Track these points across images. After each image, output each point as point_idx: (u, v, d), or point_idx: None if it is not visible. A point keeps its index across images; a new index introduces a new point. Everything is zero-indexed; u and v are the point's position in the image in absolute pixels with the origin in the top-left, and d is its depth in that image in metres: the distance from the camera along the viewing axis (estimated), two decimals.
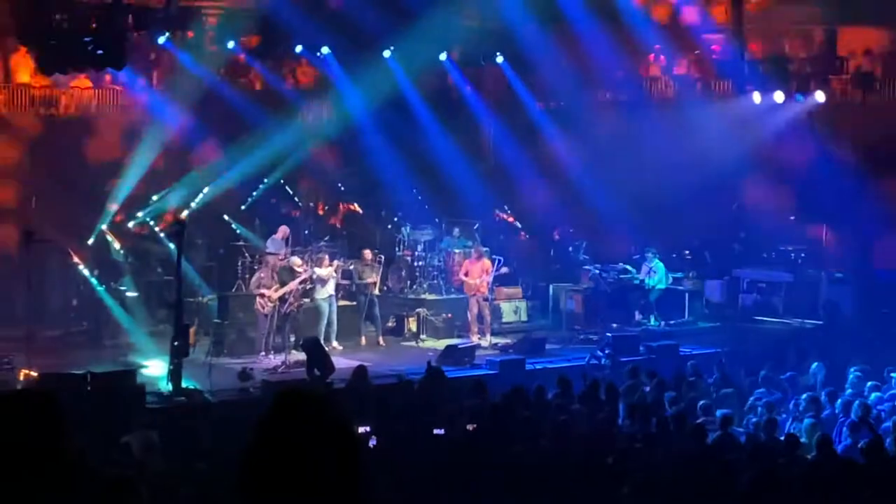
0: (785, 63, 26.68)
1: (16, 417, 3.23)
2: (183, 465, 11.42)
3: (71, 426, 3.37)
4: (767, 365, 17.84)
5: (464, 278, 22.72)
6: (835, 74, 26.49)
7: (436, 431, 13.45)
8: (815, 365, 17.64)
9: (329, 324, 21.00)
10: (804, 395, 15.55)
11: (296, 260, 21.13)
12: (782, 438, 13.56)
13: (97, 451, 9.76)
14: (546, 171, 25.94)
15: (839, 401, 15.33)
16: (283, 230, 22.89)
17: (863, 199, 23.49)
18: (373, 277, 22.15)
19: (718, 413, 14.84)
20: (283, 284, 20.23)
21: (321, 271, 20.84)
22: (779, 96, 25.85)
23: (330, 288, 20.99)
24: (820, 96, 25.61)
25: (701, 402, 15.57)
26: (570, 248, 26.37)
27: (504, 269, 23.08)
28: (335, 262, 21.46)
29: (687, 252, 26.27)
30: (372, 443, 13.27)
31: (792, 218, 26.07)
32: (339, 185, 26.67)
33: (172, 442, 12.80)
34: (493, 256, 23.25)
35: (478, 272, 22.49)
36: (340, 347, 20.97)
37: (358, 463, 2.91)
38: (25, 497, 3.14)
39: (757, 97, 26.15)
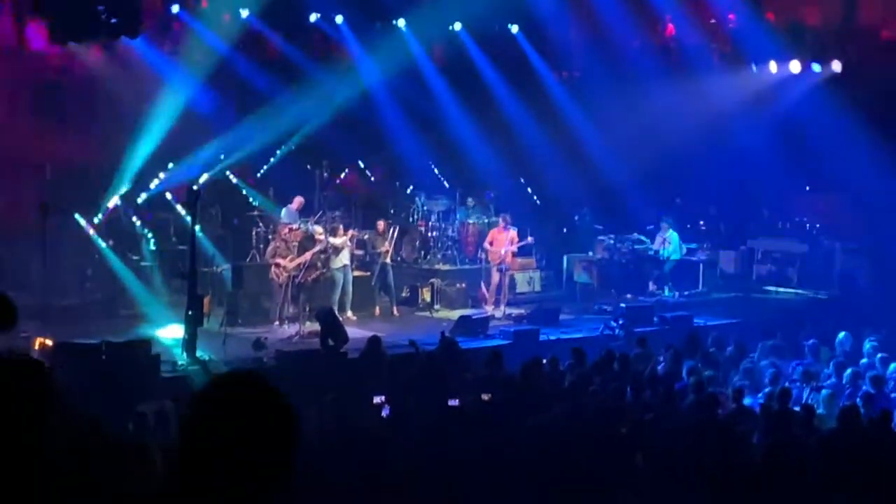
0: (802, 32, 26.51)
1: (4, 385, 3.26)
2: None
3: (59, 396, 3.40)
4: (781, 335, 17.82)
5: (488, 247, 22.67)
6: (852, 43, 26.31)
7: (451, 402, 13.46)
8: (842, 334, 17.58)
9: (344, 293, 21.02)
10: (808, 365, 15.56)
11: (318, 228, 21.15)
12: (797, 409, 13.55)
13: (112, 419, 9.79)
14: (560, 141, 25.87)
15: (848, 371, 15.31)
16: (298, 200, 22.89)
17: (879, 170, 23.38)
18: (385, 246, 22.15)
19: (731, 384, 14.86)
20: (303, 253, 20.25)
21: (336, 241, 20.85)
22: (795, 66, 25.73)
23: (344, 258, 21.00)
24: (837, 66, 25.47)
25: (714, 373, 15.58)
26: (576, 217, 26.33)
27: (530, 240, 23.02)
28: (350, 232, 21.46)
29: (701, 222, 26.22)
30: (385, 412, 13.29)
31: (807, 188, 25.99)
32: (353, 155, 26.60)
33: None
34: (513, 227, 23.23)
35: (503, 242, 22.44)
36: (355, 317, 20.99)
37: (289, 456, 2.93)
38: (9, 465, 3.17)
39: (773, 66, 26.03)
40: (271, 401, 2.96)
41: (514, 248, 22.57)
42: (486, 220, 24.18)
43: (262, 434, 2.88)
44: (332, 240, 20.82)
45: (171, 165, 23.29)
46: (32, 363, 3.52)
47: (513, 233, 22.63)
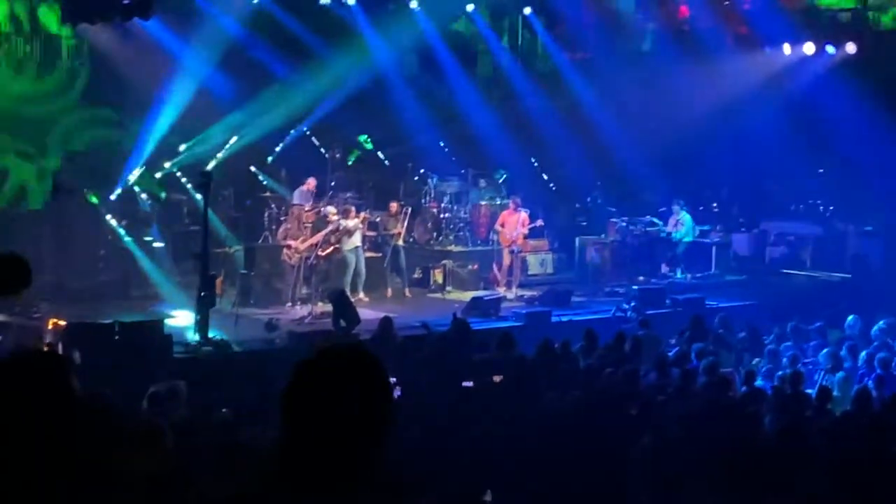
0: (816, 14, 26.40)
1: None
2: (208, 413, 11.48)
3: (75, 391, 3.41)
4: (795, 318, 17.79)
5: (500, 229, 22.68)
6: (867, 25, 26.19)
7: (465, 384, 13.47)
8: (851, 318, 17.55)
9: (357, 274, 21.01)
10: (829, 349, 15.52)
11: (331, 209, 21.16)
12: (810, 391, 13.54)
13: (125, 399, 9.81)
14: (573, 123, 25.81)
15: (863, 354, 15.28)
16: (311, 182, 22.89)
17: (893, 152, 23.30)
18: (398, 228, 22.15)
19: (744, 366, 14.85)
20: (316, 234, 20.25)
21: (348, 223, 20.84)
22: (809, 48, 25.62)
23: (356, 239, 20.99)
24: (851, 48, 25.35)
25: (723, 356, 15.58)
26: (588, 199, 26.29)
27: (539, 222, 23.03)
28: (362, 214, 21.46)
29: (714, 205, 26.17)
30: (397, 394, 13.30)
31: (821, 170, 25.91)
32: (366, 137, 26.58)
33: (198, 391, 12.86)
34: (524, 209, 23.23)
35: (513, 224, 22.44)
36: (367, 299, 21.00)
37: (388, 418, 3.02)
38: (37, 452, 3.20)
39: (787, 49, 25.93)
40: (375, 374, 3.08)
41: (525, 230, 22.55)
42: (498, 202, 24.15)
43: (367, 407, 2.98)
44: (344, 222, 20.81)
45: (183, 147, 23.28)
46: (51, 359, 3.54)
47: (524, 215, 22.61)
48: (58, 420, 3.36)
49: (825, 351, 15.48)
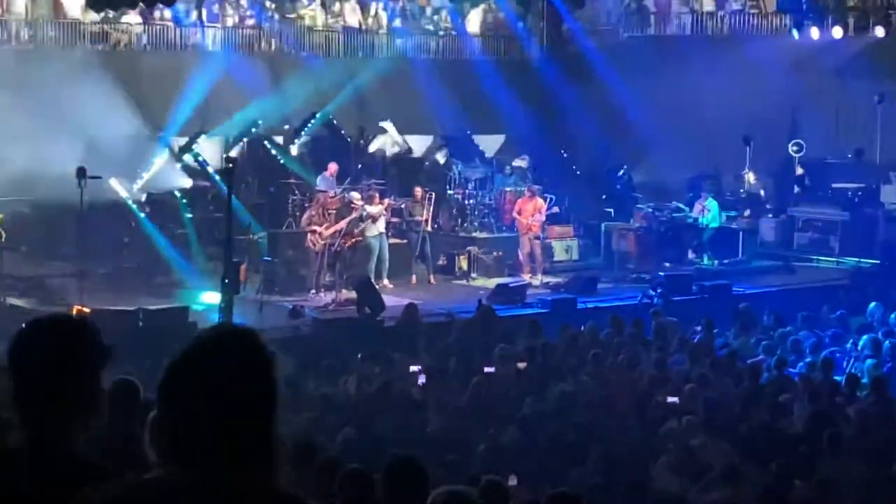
0: None
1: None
2: None
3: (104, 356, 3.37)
4: (823, 305, 17.69)
5: (516, 217, 22.63)
6: (895, 9, 25.98)
7: (486, 370, 13.46)
8: (872, 305, 17.45)
9: (380, 261, 20.96)
10: (865, 336, 15.41)
11: (355, 195, 21.13)
12: (839, 379, 13.46)
13: (148, 388, 9.80)
14: (598, 108, 25.70)
15: (887, 343, 15.19)
16: (333, 167, 22.86)
17: None
18: (423, 215, 22.10)
19: (772, 354, 14.77)
20: (340, 220, 20.22)
21: (372, 209, 20.79)
22: (837, 32, 25.42)
23: (380, 226, 20.94)
24: (880, 31, 25.14)
25: (750, 342, 15.52)
26: (619, 186, 26.18)
27: (555, 209, 22.96)
28: (386, 200, 21.41)
29: (742, 190, 26.01)
30: (421, 381, 13.29)
31: (850, 155, 25.73)
32: (390, 121, 26.52)
33: None
34: (545, 195, 23.18)
35: (530, 211, 22.39)
36: (391, 285, 20.97)
37: (271, 404, 2.83)
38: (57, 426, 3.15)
39: (815, 32, 25.74)
40: (256, 353, 2.89)
41: (543, 216, 22.50)
42: (523, 188, 24.07)
43: (246, 387, 2.79)
44: (368, 208, 20.77)
45: (207, 133, 23.29)
46: (78, 321, 3.50)
47: (540, 202, 22.57)
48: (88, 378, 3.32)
49: (865, 338, 15.36)
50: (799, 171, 25.94)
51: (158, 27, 24.47)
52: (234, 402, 2.75)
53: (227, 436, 2.72)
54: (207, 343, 2.88)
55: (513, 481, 9.22)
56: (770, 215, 25.66)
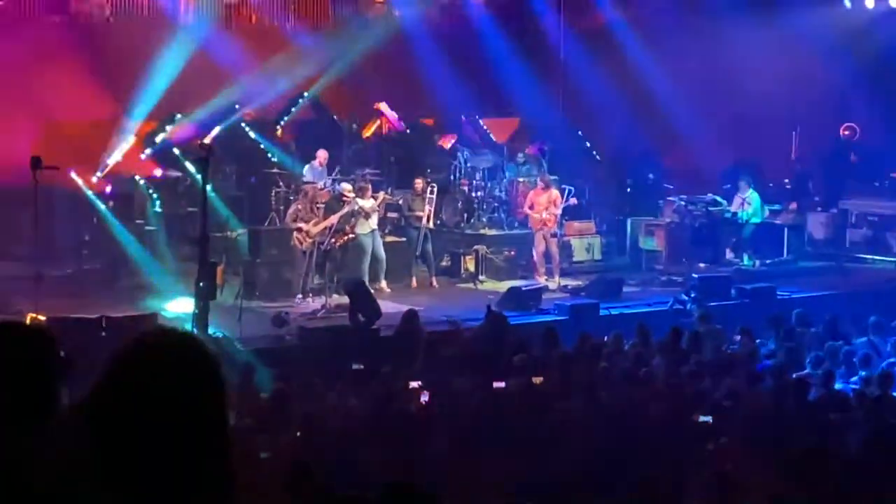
0: None
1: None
2: None
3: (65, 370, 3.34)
4: (879, 311, 17.64)
5: (528, 211, 22.61)
6: None
7: (496, 385, 13.42)
8: None
9: (376, 260, 20.94)
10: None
11: (346, 186, 21.11)
12: None
13: None
14: (625, 89, 25.66)
15: None
16: (322, 155, 22.83)
17: None
18: (424, 209, 22.06)
19: (820, 365, 14.72)
20: (329, 216, 20.19)
21: (364, 203, 20.76)
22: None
23: (373, 222, 20.92)
24: None
25: (798, 354, 15.46)
26: (647, 175, 26.14)
27: (573, 201, 22.93)
28: (380, 194, 21.38)
29: (787, 180, 25.98)
30: (424, 398, 13.25)
31: None
32: (386, 103, 26.48)
33: None
34: (563, 186, 23.14)
35: (544, 204, 22.35)
36: (388, 289, 20.94)
37: (221, 417, 2.87)
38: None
39: (870, 1, 25.72)
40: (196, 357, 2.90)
41: (558, 210, 22.48)
42: (538, 179, 24.03)
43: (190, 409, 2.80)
44: (360, 201, 20.73)
45: (179, 117, 23.25)
46: (32, 330, 3.48)
47: (555, 194, 22.53)
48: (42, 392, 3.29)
49: None
50: (852, 158, 25.90)
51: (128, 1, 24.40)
52: (175, 420, 2.71)
53: (176, 459, 2.68)
54: (138, 352, 2.86)
55: None
56: (819, 209, 25.62)
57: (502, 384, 13.51)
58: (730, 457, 11.19)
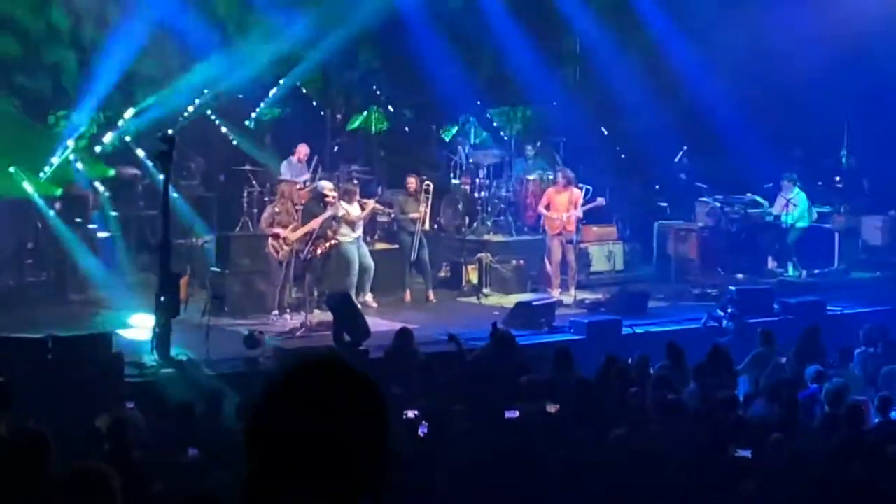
0: None
1: None
2: (170, 453, 11.47)
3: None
4: None
5: (545, 212, 22.59)
6: None
7: (508, 414, 13.43)
8: None
9: (363, 270, 20.96)
10: None
11: (326, 184, 21.11)
12: None
13: (61, 436, 9.81)
14: (651, 73, 25.71)
15: None
16: (302, 150, 22.86)
17: None
18: (419, 211, 22.07)
19: (877, 392, 14.77)
20: (311, 219, 20.21)
21: (350, 209, 20.78)
22: None
23: (357, 229, 20.95)
24: None
25: (849, 378, 15.51)
26: (677, 173, 26.20)
27: (600, 201, 22.88)
28: (370, 202, 21.32)
29: (838, 179, 26.03)
30: (422, 430, 13.27)
31: None
32: (376, 89, 26.53)
33: (157, 425, 12.86)
34: (580, 185, 23.15)
35: (564, 204, 22.33)
36: (375, 304, 20.93)
37: (384, 454, 3.06)
38: None
39: None
40: (368, 397, 3.08)
41: (579, 212, 22.48)
42: (550, 176, 24.06)
43: (352, 435, 3.00)
44: (345, 206, 20.74)
45: (137, 105, 23.29)
46: None
47: (576, 193, 22.53)
48: None
49: None
50: None
51: None
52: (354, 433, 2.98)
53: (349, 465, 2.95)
54: (310, 373, 3.06)
55: None
56: (875, 212, 25.67)
57: (515, 413, 13.53)
58: (772, 495, 11.22)
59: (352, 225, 20.82)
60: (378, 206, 21.89)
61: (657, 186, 26.19)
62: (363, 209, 21.05)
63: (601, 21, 26.61)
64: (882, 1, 25.48)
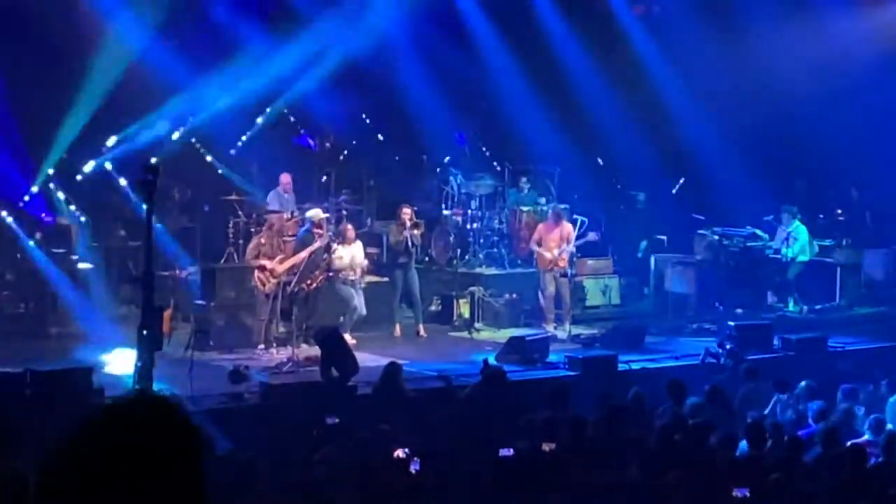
0: None
1: None
2: None
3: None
4: None
5: (536, 248, 22.59)
6: None
7: (502, 453, 13.42)
8: None
9: (355, 311, 20.89)
10: None
11: (317, 212, 21.07)
12: None
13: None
14: (642, 96, 25.78)
15: None
16: (284, 179, 22.86)
17: None
18: (401, 236, 21.98)
19: (882, 431, 14.77)
20: (299, 251, 20.19)
21: (345, 253, 20.75)
22: None
23: (358, 269, 20.94)
24: None
25: (851, 416, 15.53)
26: (674, 205, 26.22)
27: (592, 236, 22.88)
28: (364, 262, 21.24)
29: (839, 211, 26.07)
30: (414, 467, 13.25)
31: None
32: (365, 118, 26.58)
33: None
34: (574, 217, 23.15)
35: (555, 240, 22.32)
36: (354, 340, 20.74)
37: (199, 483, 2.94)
38: None
39: None
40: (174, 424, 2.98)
41: (571, 247, 22.46)
42: (544, 208, 24.09)
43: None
44: (340, 251, 20.72)
45: (118, 134, 23.30)
46: None
47: (568, 227, 22.52)
48: None
49: None
50: None
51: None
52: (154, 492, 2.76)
53: None
54: (114, 417, 2.94)
55: None
56: (878, 245, 25.70)
57: (510, 451, 13.52)
58: None
59: (354, 269, 20.85)
60: (372, 252, 21.94)
61: (653, 218, 26.19)
62: (356, 254, 21.02)
63: (591, 48, 26.70)
64: (870, 31, 25.57)
